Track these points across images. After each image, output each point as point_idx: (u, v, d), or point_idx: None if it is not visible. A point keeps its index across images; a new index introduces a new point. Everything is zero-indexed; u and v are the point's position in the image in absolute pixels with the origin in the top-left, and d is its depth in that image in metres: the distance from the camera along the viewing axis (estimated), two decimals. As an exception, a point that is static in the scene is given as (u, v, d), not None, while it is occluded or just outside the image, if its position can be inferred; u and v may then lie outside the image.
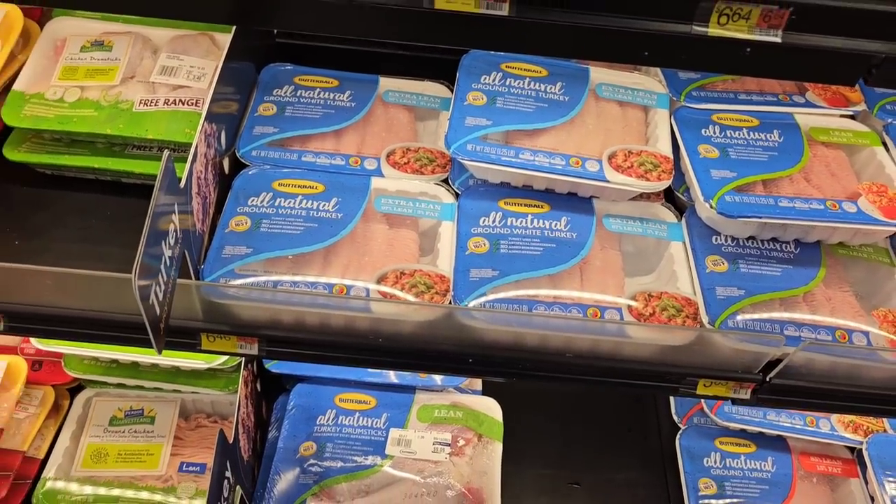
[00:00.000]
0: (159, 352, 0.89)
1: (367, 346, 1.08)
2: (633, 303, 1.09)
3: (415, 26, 0.86)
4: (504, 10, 0.84)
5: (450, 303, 1.07)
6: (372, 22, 0.86)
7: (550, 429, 1.56)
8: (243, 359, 1.35)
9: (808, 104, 1.29)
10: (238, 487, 1.26)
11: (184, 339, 1.09)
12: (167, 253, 0.90)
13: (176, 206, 0.94)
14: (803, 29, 0.84)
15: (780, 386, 1.09)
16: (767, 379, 1.09)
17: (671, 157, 1.19)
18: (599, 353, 1.08)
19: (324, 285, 1.07)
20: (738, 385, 1.11)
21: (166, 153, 0.88)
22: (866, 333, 1.09)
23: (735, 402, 1.15)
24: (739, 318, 1.08)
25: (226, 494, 1.19)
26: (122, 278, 1.02)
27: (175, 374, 1.43)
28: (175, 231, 0.94)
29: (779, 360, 1.07)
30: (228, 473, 1.21)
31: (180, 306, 1.02)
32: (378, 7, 0.84)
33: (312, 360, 1.16)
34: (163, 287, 0.89)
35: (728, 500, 1.39)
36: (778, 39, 0.85)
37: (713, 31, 0.85)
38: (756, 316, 1.09)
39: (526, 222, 1.16)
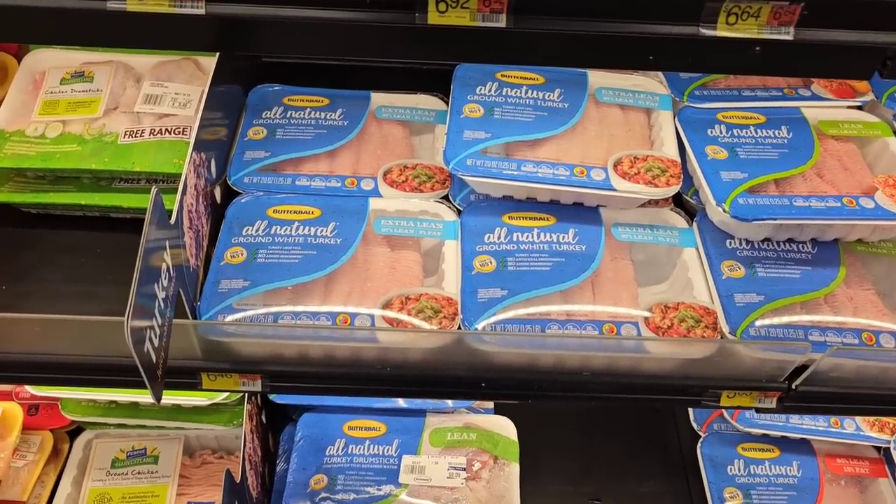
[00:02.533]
0: (157, 400, 0.84)
1: (374, 376, 1.04)
2: (649, 315, 1.04)
3: (409, 43, 0.82)
4: (502, 22, 0.80)
5: (459, 327, 1.02)
6: (363, 41, 0.82)
7: (567, 443, 1.51)
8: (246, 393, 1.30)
9: (815, 97, 1.25)
10: (248, 526, 1.22)
11: (183, 378, 1.04)
12: (160, 294, 0.86)
13: (167, 242, 0.90)
14: (816, 24, 0.81)
15: (806, 393, 1.05)
16: (793, 387, 1.05)
17: (679, 160, 1.14)
18: (617, 370, 1.04)
19: (327, 315, 1.02)
20: (763, 394, 1.07)
21: (154, 189, 0.84)
22: (894, 334, 1.05)
23: (759, 411, 1.11)
24: (760, 324, 1.04)
25: (236, 536, 1.14)
26: (114, 322, 0.97)
27: (177, 411, 1.39)
28: (168, 270, 0.89)
29: (804, 366, 1.03)
30: (237, 514, 1.16)
31: (178, 346, 0.97)
32: (368, 25, 0.80)
33: (318, 393, 1.12)
34: (158, 331, 0.84)
35: (755, 509, 1.35)
36: (790, 37, 0.81)
37: (721, 31, 0.81)
38: (778, 321, 1.05)
39: (532, 237, 1.12)
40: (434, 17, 0.79)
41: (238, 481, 1.17)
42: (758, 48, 0.82)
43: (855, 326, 1.06)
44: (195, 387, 1.06)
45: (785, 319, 1.05)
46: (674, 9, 0.80)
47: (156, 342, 0.83)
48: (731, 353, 1.01)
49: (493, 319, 1.02)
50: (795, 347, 0.99)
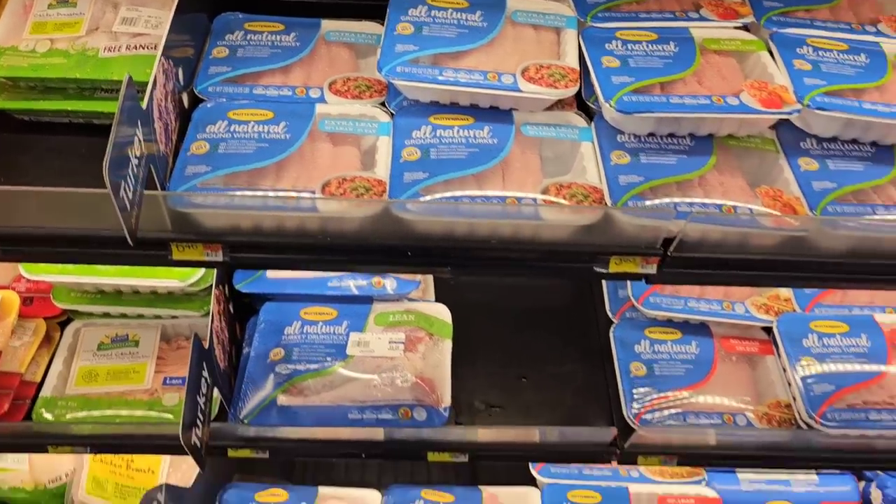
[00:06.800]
0: (132, 240, 1.04)
1: (317, 246, 1.23)
2: (546, 196, 1.24)
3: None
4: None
5: (386, 201, 1.22)
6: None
7: (498, 333, 1.72)
8: (214, 279, 1.50)
9: (702, 18, 1.45)
10: (216, 388, 1.42)
11: (156, 250, 1.24)
12: (134, 155, 1.05)
13: (139, 121, 1.09)
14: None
15: (680, 259, 1.25)
16: (668, 253, 1.25)
17: (578, 68, 1.34)
18: (521, 239, 1.24)
19: (277, 196, 1.22)
20: (644, 260, 1.27)
21: (126, 75, 1.04)
22: (751, 209, 1.26)
23: (647, 279, 1.31)
24: (640, 201, 1.25)
25: (203, 391, 1.34)
26: (98, 193, 1.17)
27: (154, 299, 1.59)
28: (139, 141, 1.09)
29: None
30: (205, 374, 1.36)
31: (151, 218, 1.17)
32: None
33: (272, 265, 1.32)
34: (132, 186, 1.04)
35: (656, 378, 1.56)
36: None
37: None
38: (655, 199, 1.25)
39: (453, 133, 1.32)
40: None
41: (206, 348, 1.38)
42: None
43: (721, 204, 1.26)
44: (167, 258, 1.25)
45: (661, 198, 1.26)
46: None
47: (130, 194, 1.03)
48: (612, 220, 1.21)
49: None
50: (663, 213, 1.20)
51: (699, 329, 1.66)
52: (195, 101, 1.38)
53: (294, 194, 1.22)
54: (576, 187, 1.25)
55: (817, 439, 1.51)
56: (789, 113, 1.28)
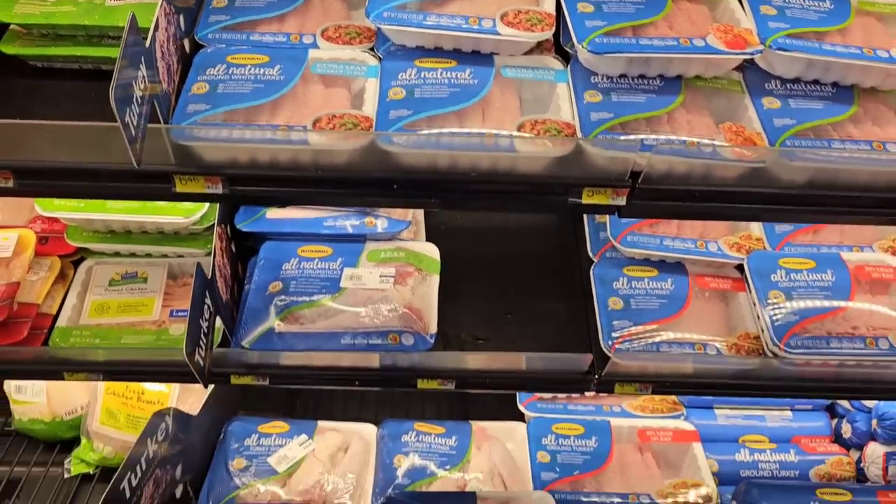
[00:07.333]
0: (137, 163, 1.14)
1: (309, 178, 1.33)
2: (521, 133, 1.33)
3: None
4: None
5: (373, 137, 1.31)
6: None
7: (487, 275, 1.81)
8: (216, 218, 1.60)
9: (676, -32, 1.53)
10: (218, 318, 1.52)
11: (160, 183, 1.34)
12: (137, 88, 1.15)
13: (143, 57, 1.19)
14: None
15: (648, 191, 1.33)
16: (637, 185, 1.34)
17: (554, 13, 1.43)
18: (500, 170, 1.33)
19: (272, 131, 1.31)
20: (615, 192, 1.35)
21: (130, 14, 1.13)
22: (713, 142, 1.34)
23: (618, 212, 1.40)
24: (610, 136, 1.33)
25: (206, 316, 1.44)
26: (106, 126, 1.27)
27: (161, 238, 1.69)
28: (143, 77, 1.18)
29: (647, 171, 1.32)
30: (208, 301, 1.46)
31: (155, 152, 1.27)
32: None
33: (267, 197, 1.42)
34: (136, 116, 1.14)
35: (632, 311, 1.65)
36: None
37: None
38: (625, 135, 1.34)
39: (436, 74, 1.41)
40: None
41: (209, 277, 1.48)
42: None
43: (687, 140, 1.35)
44: (170, 191, 1.35)
45: (630, 133, 1.35)
46: None
47: (135, 121, 1.13)
48: (582, 151, 1.30)
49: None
50: (629, 145, 1.29)
51: (675, 267, 1.75)
52: (196, 47, 1.47)
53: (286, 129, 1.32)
54: (550, 123, 1.34)
55: (784, 367, 1.60)
56: (752, 53, 1.36)
